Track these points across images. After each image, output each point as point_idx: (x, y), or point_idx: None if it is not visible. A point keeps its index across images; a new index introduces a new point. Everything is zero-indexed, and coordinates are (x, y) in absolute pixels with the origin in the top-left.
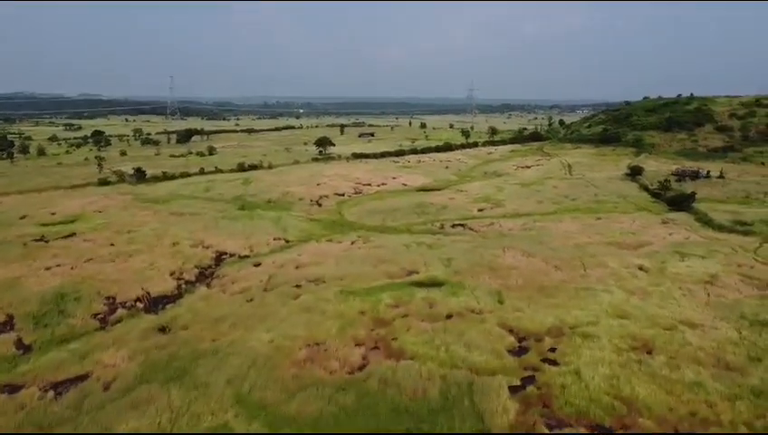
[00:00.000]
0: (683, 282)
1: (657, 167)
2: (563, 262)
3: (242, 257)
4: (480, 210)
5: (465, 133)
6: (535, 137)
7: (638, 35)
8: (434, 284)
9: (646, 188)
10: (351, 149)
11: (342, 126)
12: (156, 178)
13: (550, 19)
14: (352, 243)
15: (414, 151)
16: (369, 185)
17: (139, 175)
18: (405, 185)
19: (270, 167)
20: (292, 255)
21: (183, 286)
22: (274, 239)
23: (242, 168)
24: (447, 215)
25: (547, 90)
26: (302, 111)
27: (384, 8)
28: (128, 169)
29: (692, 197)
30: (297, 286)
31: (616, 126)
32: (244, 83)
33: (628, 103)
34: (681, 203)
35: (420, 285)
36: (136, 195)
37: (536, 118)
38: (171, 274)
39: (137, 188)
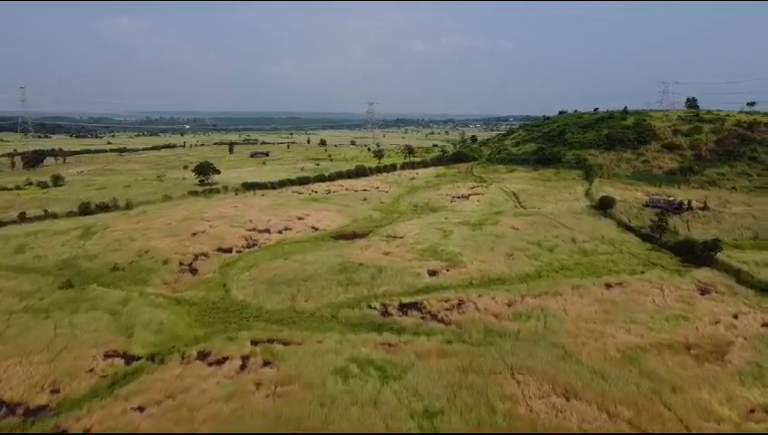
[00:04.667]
0: None
1: (620, 195)
2: (638, 410)
3: (25, 416)
4: (433, 274)
5: (378, 154)
6: (460, 157)
7: (518, 55)
8: None
9: (629, 228)
10: (242, 177)
11: (232, 144)
12: None
13: (437, 38)
14: (242, 366)
15: (321, 178)
16: (268, 232)
17: None
18: (316, 229)
19: (128, 206)
20: (130, 402)
21: None
22: (107, 356)
23: (85, 210)
24: (388, 285)
25: (439, 105)
26: (187, 126)
27: (277, 25)
28: None
29: (715, 246)
30: None
31: (550, 144)
32: (125, 98)
33: (546, 118)
34: (697, 253)
35: None
36: None
37: (432, 132)
38: None
39: None
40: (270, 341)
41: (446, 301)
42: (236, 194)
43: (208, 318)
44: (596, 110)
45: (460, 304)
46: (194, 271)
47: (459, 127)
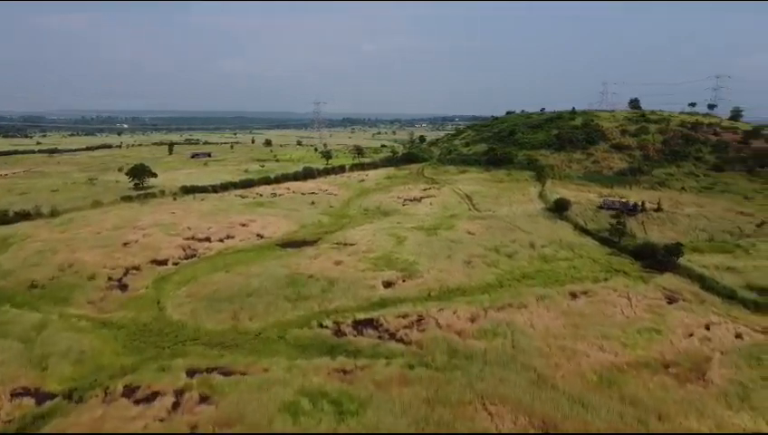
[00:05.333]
0: None
1: (573, 196)
2: None
3: None
4: (388, 285)
5: (325, 154)
6: (410, 158)
7: (463, 55)
8: None
9: (585, 231)
10: (181, 180)
11: (172, 144)
12: None
13: (384, 39)
14: (175, 404)
15: (266, 181)
16: (208, 240)
17: None
18: (261, 236)
19: (53, 214)
20: None
21: None
22: (14, 396)
23: (3, 218)
24: (340, 299)
25: (386, 104)
26: (126, 126)
27: (220, 22)
28: None
29: (677, 250)
30: None
31: (501, 145)
32: (62, 97)
33: (495, 118)
34: (658, 258)
35: None
36: None
37: (379, 132)
38: None
39: None
40: (209, 370)
41: (404, 317)
42: (174, 199)
43: (138, 343)
44: (543, 110)
45: (420, 320)
46: (124, 287)
47: (406, 127)
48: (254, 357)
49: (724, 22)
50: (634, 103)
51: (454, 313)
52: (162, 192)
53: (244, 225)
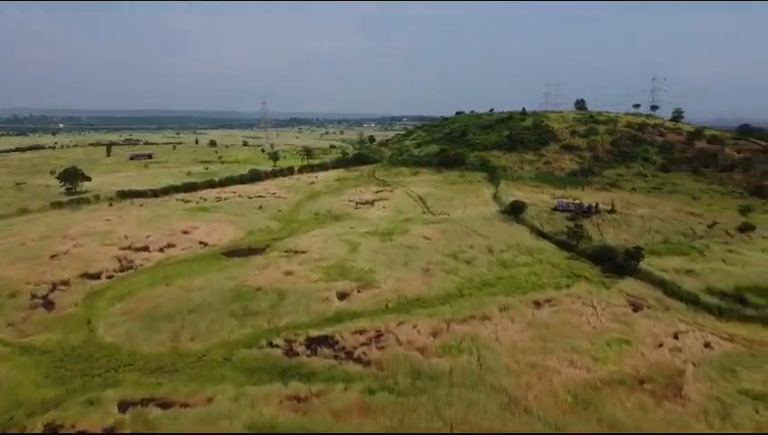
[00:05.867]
0: None
1: (527, 198)
2: None
3: None
4: (343, 297)
5: (273, 155)
6: (361, 159)
7: (411, 56)
8: None
9: (542, 234)
10: (118, 183)
11: (110, 144)
12: None
13: (331, 38)
14: None
15: (210, 184)
16: (146, 250)
17: None
18: (205, 244)
19: None
20: None
21: None
22: None
23: None
24: (292, 315)
25: (333, 104)
26: (61, 125)
27: (163, 20)
28: None
29: (637, 254)
30: None
31: (453, 145)
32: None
33: (445, 119)
34: (618, 262)
35: None
36: None
37: (327, 132)
38: None
39: None
40: (144, 402)
41: (361, 332)
42: (110, 204)
43: (64, 371)
44: (492, 111)
45: (378, 336)
46: (49, 305)
47: (354, 127)
48: (196, 384)
49: (657, 25)
50: (580, 104)
51: (414, 327)
52: (97, 197)
53: (186, 232)
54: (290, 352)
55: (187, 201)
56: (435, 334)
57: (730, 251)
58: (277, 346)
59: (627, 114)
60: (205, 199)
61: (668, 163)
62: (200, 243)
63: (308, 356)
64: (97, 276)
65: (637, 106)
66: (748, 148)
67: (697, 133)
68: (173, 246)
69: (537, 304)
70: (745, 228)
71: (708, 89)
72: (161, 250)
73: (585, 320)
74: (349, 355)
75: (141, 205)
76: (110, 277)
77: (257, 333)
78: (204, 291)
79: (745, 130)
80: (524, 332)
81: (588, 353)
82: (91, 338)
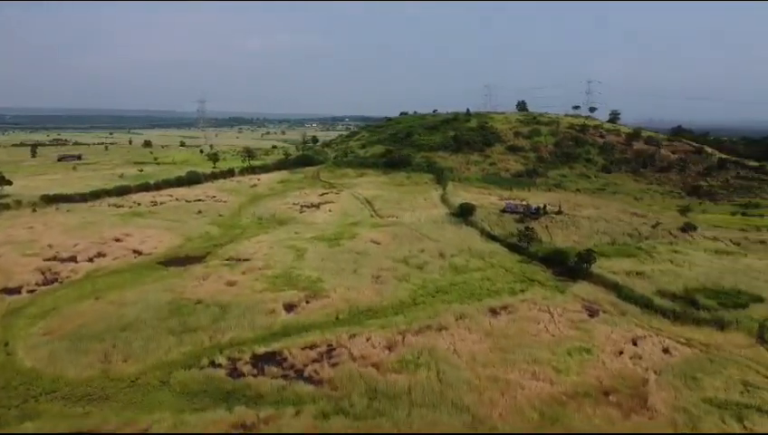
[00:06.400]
0: None
1: (475, 200)
2: None
3: None
4: (291, 308)
5: (212, 156)
6: (305, 160)
7: (353, 55)
8: None
9: (492, 237)
10: (43, 187)
11: (36, 145)
12: None
13: (270, 36)
14: None
15: (145, 187)
16: (74, 260)
17: None
18: (139, 253)
19: None
20: None
21: None
22: None
23: None
24: (235, 329)
25: (274, 104)
26: None
27: (91, 12)
28: None
29: (589, 257)
30: None
31: (398, 146)
32: None
33: (389, 119)
34: (570, 265)
35: None
36: None
37: (268, 133)
38: None
39: None
40: None
41: (311, 347)
42: (34, 210)
43: None
44: (435, 111)
45: (330, 350)
46: None
47: (296, 127)
48: (129, 413)
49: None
50: (521, 106)
51: (368, 340)
52: (18, 202)
53: (118, 240)
54: (234, 372)
55: (119, 206)
56: (390, 348)
57: (675, 252)
58: (220, 365)
59: (567, 116)
60: (139, 204)
61: (609, 164)
62: (134, 252)
63: (254, 376)
64: (17, 291)
65: (576, 108)
66: (682, 149)
67: (635, 135)
68: (103, 255)
69: (493, 312)
70: (687, 228)
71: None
72: (90, 260)
73: (543, 327)
74: (299, 374)
75: (68, 210)
76: (31, 292)
77: (198, 351)
78: (138, 305)
79: (678, 132)
80: (483, 342)
81: (549, 364)
82: (8, 363)
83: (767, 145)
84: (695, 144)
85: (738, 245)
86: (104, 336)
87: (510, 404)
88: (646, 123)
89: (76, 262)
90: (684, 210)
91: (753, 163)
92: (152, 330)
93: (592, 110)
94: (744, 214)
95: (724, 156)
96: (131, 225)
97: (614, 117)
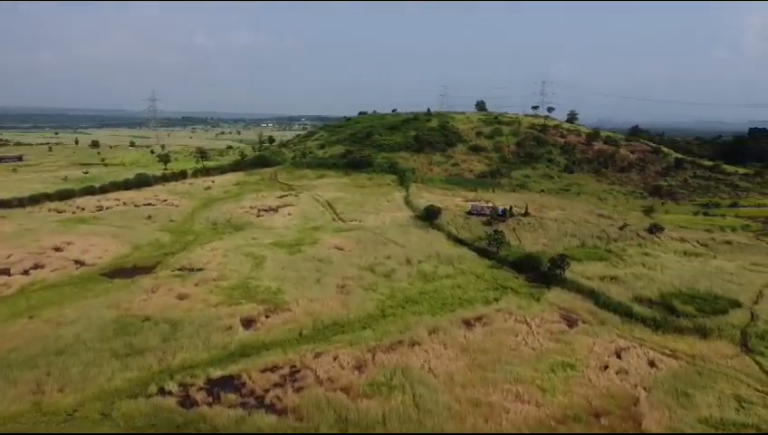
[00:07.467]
0: None
1: (440, 201)
2: None
3: None
4: (249, 324)
5: (163, 158)
6: (261, 161)
7: (308, 54)
8: None
9: (460, 241)
10: None
11: None
12: None
13: (222, 34)
14: None
15: (90, 190)
16: (7, 273)
17: None
18: (81, 264)
19: None
20: None
21: None
22: None
23: None
24: (188, 350)
25: (228, 103)
26: None
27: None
28: None
29: (562, 262)
30: None
31: (359, 147)
32: None
33: (348, 119)
34: (542, 271)
35: None
36: None
37: (223, 133)
38: None
39: None
40: None
41: (273, 369)
42: None
43: None
44: (395, 111)
45: (294, 373)
46: None
47: (251, 127)
48: None
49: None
50: (481, 106)
51: (335, 359)
52: None
53: (58, 249)
54: (186, 401)
55: (61, 211)
56: (360, 368)
57: (646, 254)
58: (170, 393)
59: (527, 115)
60: (83, 209)
61: (571, 164)
62: (75, 262)
63: (209, 405)
64: None
65: (535, 108)
66: (640, 148)
67: (595, 135)
68: (41, 266)
69: (468, 324)
70: (654, 230)
71: (590, 91)
72: (26, 273)
73: (522, 340)
74: (259, 401)
75: (3, 217)
76: None
77: (145, 377)
78: (78, 324)
79: (636, 132)
80: (459, 359)
81: (533, 383)
82: None
83: (719, 145)
84: (652, 144)
85: (706, 246)
86: (37, 362)
87: (496, 432)
88: (602, 123)
89: (9, 275)
90: (648, 211)
91: (707, 163)
92: (93, 353)
93: (550, 110)
94: (705, 214)
95: (680, 156)
96: (74, 232)
97: (572, 117)
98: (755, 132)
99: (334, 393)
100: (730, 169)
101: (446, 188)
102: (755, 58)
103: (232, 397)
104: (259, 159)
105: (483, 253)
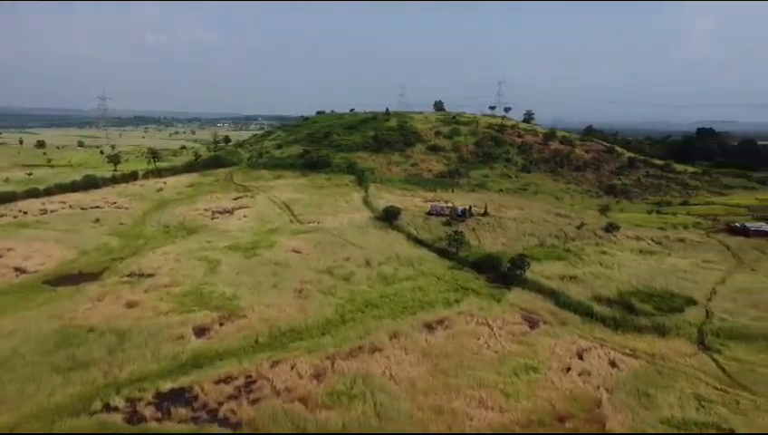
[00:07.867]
0: None
1: (399, 202)
2: None
3: None
4: (202, 332)
5: (113, 158)
6: (216, 162)
7: (261, 52)
8: None
9: (419, 241)
10: None
11: None
12: None
13: (173, 33)
14: None
15: (34, 193)
16: None
17: None
18: (22, 271)
19: None
20: None
21: None
22: None
23: None
24: (136, 362)
25: (182, 102)
26: None
27: None
28: None
29: (522, 262)
30: None
31: (316, 147)
32: None
33: (305, 118)
34: (502, 271)
35: None
36: None
37: (177, 132)
38: None
39: None
40: None
41: (227, 380)
42: None
43: None
44: (353, 110)
45: (249, 383)
46: None
47: (206, 126)
48: None
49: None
50: (439, 106)
51: (292, 368)
52: None
53: None
54: (134, 417)
55: (1, 215)
56: (318, 377)
57: (603, 253)
58: (116, 409)
59: (485, 115)
60: (25, 213)
61: (528, 163)
62: (15, 269)
63: (158, 420)
64: None
65: (492, 108)
66: (594, 148)
67: (551, 135)
68: None
69: (429, 328)
70: (611, 229)
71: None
72: None
73: (484, 343)
74: (212, 415)
75: None
76: None
77: (89, 392)
78: (15, 337)
79: (590, 132)
80: (421, 364)
81: (496, 387)
82: None
83: (669, 145)
84: (606, 144)
85: (660, 244)
86: None
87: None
88: (557, 123)
89: None
90: (604, 209)
91: (659, 162)
92: (32, 368)
93: (507, 110)
94: (658, 212)
95: (633, 155)
96: (15, 237)
97: (528, 117)
98: (702, 132)
99: (292, 404)
100: (680, 167)
101: (405, 188)
102: (705, 60)
103: (183, 411)
104: (214, 160)
105: (443, 254)
